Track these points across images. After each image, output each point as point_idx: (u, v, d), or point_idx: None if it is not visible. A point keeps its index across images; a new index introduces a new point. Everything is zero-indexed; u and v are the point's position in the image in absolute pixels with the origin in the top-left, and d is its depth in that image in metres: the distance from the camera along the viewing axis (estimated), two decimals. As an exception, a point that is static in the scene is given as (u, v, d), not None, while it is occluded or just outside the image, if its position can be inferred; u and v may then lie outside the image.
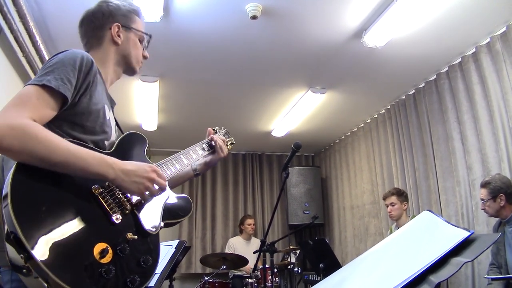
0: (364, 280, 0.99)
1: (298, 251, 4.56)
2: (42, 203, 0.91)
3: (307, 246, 3.69)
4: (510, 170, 2.94)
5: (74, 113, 1.10)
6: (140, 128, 4.88)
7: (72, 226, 0.94)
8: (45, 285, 0.85)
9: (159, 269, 2.11)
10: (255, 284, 3.90)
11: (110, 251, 0.97)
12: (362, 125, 5.25)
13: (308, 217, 5.38)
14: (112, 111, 1.31)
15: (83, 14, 1.32)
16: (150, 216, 1.16)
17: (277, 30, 3.09)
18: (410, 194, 4.00)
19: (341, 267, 1.53)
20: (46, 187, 0.95)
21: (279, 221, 6.19)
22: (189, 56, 3.46)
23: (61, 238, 0.90)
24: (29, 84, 1.03)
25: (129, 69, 1.37)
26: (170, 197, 1.29)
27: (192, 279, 5.59)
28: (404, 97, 4.34)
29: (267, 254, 2.90)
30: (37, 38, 2.75)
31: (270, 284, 3.73)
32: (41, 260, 0.84)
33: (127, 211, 1.09)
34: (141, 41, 1.37)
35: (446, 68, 3.70)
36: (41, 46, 2.84)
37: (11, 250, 0.86)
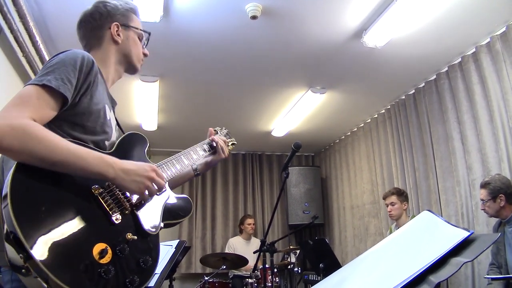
0: (364, 280, 0.99)
1: (298, 251, 4.55)
2: (42, 203, 0.91)
3: (307, 246, 3.69)
4: (510, 170, 2.94)
5: (74, 113, 1.10)
6: (140, 128, 4.88)
7: (72, 226, 0.94)
8: (45, 285, 0.84)
9: (159, 269, 2.11)
10: (255, 284, 3.90)
11: (110, 251, 0.97)
12: (362, 125, 5.25)
13: (308, 217, 5.38)
14: (113, 111, 1.31)
15: (80, 16, 1.32)
16: (150, 217, 1.16)
17: (277, 30, 3.09)
18: (410, 194, 4.00)
19: (341, 267, 1.53)
20: (46, 187, 0.95)
21: (279, 221, 6.19)
22: (189, 56, 3.46)
23: (60, 238, 0.90)
24: (29, 84, 1.03)
25: (130, 67, 1.38)
26: (170, 197, 1.29)
27: (192, 279, 5.59)
28: (404, 97, 4.34)
29: (267, 254, 2.90)
30: (37, 38, 2.75)
31: (270, 284, 3.72)
32: (40, 260, 0.84)
33: (127, 212, 1.09)
34: (140, 39, 1.38)
35: (446, 68, 3.70)
36: (41, 46, 2.84)
37: (10, 250, 0.86)
